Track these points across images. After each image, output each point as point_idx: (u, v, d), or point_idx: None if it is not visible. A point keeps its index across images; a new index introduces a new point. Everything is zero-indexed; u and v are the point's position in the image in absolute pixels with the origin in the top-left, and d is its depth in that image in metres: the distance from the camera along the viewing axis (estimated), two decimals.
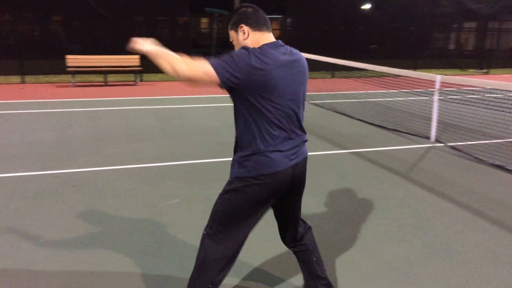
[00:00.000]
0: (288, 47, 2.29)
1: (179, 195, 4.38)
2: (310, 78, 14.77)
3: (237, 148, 2.27)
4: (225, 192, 2.27)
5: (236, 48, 2.27)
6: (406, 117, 8.50)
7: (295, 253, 2.58)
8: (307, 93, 11.13)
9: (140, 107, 9.24)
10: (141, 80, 13.71)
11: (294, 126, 2.25)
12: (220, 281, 2.28)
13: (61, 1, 13.68)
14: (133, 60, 12.73)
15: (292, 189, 2.32)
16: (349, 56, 11.67)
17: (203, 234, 2.30)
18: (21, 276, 2.94)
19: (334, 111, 9.10)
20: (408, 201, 4.32)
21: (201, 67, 2.01)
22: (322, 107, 9.59)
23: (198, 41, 28.56)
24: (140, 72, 13.21)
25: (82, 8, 13.68)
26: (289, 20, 19.39)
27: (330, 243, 3.47)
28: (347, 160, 5.69)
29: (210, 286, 2.24)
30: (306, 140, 2.35)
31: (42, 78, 13.49)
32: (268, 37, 2.25)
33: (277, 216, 2.53)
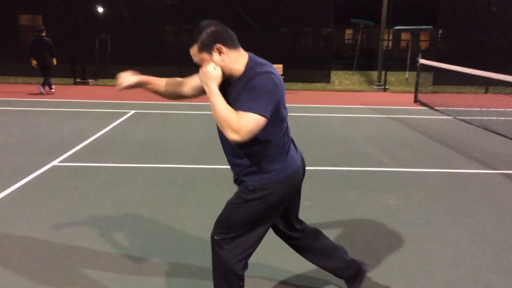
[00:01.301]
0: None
1: (311, 199, 4.52)
2: (458, 92, 13.55)
3: (251, 160, 2.21)
4: (245, 201, 2.23)
5: (204, 67, 2.11)
6: None
7: (298, 243, 2.62)
8: (453, 108, 10.39)
9: None
10: None
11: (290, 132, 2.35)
12: (244, 271, 2.31)
13: (216, 14, 14.97)
14: (276, 69, 13.32)
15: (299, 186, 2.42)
16: (508, 70, 10.58)
17: (216, 240, 2.28)
18: (168, 254, 3.37)
19: (484, 129, 8.36)
20: None
21: (249, 126, 1.98)
22: (470, 123, 8.88)
23: (340, 52, 28.60)
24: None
25: (234, 20, 14.80)
26: (440, 31, 18.27)
27: (471, 266, 3.26)
28: (495, 182, 5.21)
29: (240, 283, 2.32)
30: None
31: None
32: (243, 54, 2.17)
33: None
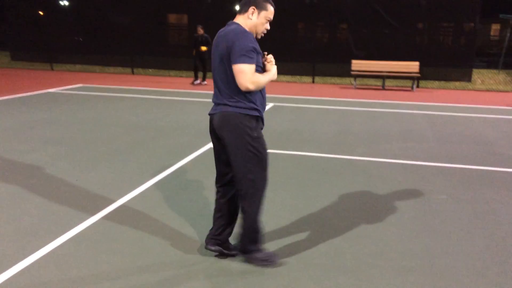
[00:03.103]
0: (234, 25, 2.88)
1: (447, 193, 4.64)
2: None
3: None
4: None
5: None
6: None
7: (220, 197, 3.17)
8: None
9: (415, 111, 9.56)
10: (418, 87, 13.88)
11: (217, 90, 2.96)
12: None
13: (351, 9, 15.08)
14: (412, 67, 13.06)
15: (216, 134, 3.01)
16: None
17: None
18: (312, 226, 3.84)
19: None
20: None
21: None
22: None
23: (484, 49, 26.43)
24: (418, 78, 13.42)
25: (370, 15, 14.77)
26: None
27: None
28: None
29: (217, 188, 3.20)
30: (225, 103, 2.89)
31: (329, 79, 15.29)
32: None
33: None
